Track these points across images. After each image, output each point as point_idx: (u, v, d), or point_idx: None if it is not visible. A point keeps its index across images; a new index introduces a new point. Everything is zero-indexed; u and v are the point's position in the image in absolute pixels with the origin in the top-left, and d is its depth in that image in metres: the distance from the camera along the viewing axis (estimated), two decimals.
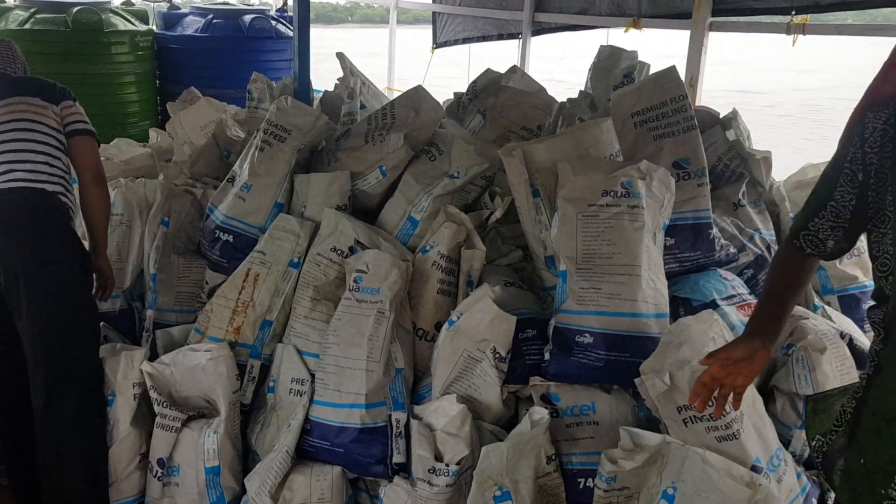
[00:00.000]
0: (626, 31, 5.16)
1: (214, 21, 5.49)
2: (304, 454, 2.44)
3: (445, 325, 2.39)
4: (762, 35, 4.65)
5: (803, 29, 4.22)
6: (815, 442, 1.63)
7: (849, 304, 3.01)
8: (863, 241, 3.10)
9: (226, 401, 2.50)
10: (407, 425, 2.37)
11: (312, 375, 2.52)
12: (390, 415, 2.37)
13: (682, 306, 2.44)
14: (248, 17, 5.54)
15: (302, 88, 3.39)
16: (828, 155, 1.66)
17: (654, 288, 2.29)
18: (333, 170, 2.89)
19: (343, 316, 2.46)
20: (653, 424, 2.20)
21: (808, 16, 4.24)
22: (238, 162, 3.00)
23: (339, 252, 2.65)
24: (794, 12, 4.27)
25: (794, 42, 4.30)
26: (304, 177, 2.88)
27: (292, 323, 2.66)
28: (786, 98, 17.04)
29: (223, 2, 6.01)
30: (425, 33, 7.65)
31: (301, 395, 2.51)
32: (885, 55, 1.68)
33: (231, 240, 2.89)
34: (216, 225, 2.92)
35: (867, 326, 2.97)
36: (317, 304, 2.62)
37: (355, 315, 2.44)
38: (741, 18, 4.62)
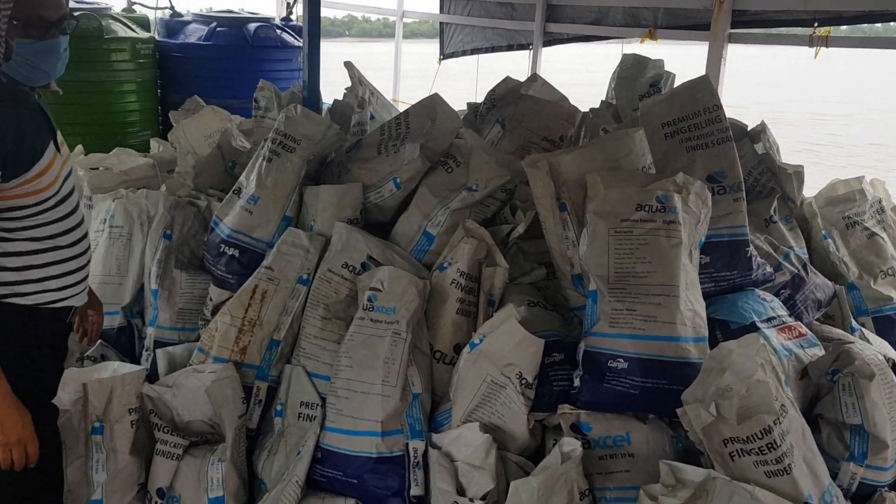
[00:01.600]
0: (641, 41, 5.04)
1: (218, 29, 5.35)
2: (315, 484, 2.28)
3: (467, 349, 2.24)
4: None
5: (826, 41, 4.10)
6: None
7: (884, 326, 2.88)
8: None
9: (231, 426, 2.34)
10: (425, 455, 2.21)
11: (323, 399, 2.37)
12: (407, 443, 2.22)
13: (718, 329, 2.29)
14: (252, 26, 5.40)
15: (312, 97, 3.25)
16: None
17: (692, 309, 2.14)
18: (344, 182, 2.75)
19: (356, 336, 2.31)
20: (692, 456, 2.04)
21: (831, 28, 4.13)
22: (244, 173, 2.86)
23: (350, 268, 2.51)
24: (816, 24, 4.15)
25: (816, 54, 4.18)
26: (314, 189, 2.73)
27: (301, 343, 2.51)
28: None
29: (226, 10, 5.89)
30: (425, 48, 7.54)
31: (311, 420, 2.36)
32: None
33: (237, 255, 2.74)
34: (221, 239, 2.77)
35: None
36: (327, 323, 2.48)
37: (369, 336, 2.29)
38: (761, 30, 4.50)
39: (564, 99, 3.23)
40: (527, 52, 6.07)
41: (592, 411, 2.14)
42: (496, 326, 2.19)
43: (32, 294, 1.96)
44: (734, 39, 4.42)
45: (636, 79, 3.17)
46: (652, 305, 2.11)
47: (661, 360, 2.08)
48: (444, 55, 7.00)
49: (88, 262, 2.11)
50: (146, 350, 2.82)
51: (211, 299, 2.82)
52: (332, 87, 3.77)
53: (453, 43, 6.85)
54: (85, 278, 2.10)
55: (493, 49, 6.50)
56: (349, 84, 3.66)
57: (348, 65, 3.77)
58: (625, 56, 3.30)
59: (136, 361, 2.82)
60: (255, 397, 2.51)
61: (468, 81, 6.62)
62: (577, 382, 2.17)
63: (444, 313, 2.38)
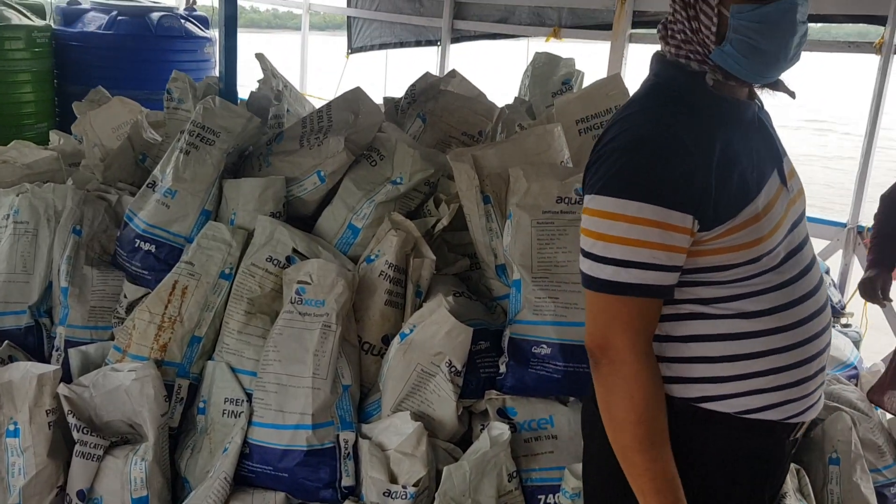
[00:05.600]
0: (546, 40, 5.19)
1: (119, 18, 5.17)
2: (242, 480, 2.27)
3: (397, 339, 2.28)
4: None
5: None
6: None
7: None
8: None
9: (154, 425, 2.30)
10: (355, 445, 2.24)
11: (248, 395, 2.36)
12: (338, 435, 2.24)
13: None
14: (155, 15, 5.24)
15: (228, 89, 3.19)
16: None
17: None
18: (265, 175, 2.72)
19: (284, 331, 2.31)
20: None
21: None
22: (159, 166, 2.79)
23: (275, 262, 2.50)
24: None
25: None
26: (235, 182, 2.70)
27: (224, 339, 2.48)
28: None
29: None
30: (333, 40, 7.49)
31: (237, 417, 2.34)
32: None
33: (153, 250, 2.68)
34: (136, 234, 2.70)
35: None
36: (251, 318, 2.46)
37: (298, 329, 2.29)
38: None
39: (482, 95, 3.30)
40: (435, 48, 6.14)
41: (517, 396, 2.22)
42: (426, 316, 2.24)
43: (732, 397, 1.37)
44: (635, 39, 4.62)
45: (549, 76, 3.27)
46: (573, 293, 2.20)
47: (582, 346, 2.16)
48: (352, 49, 6.98)
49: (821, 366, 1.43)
50: (56, 350, 2.72)
51: (125, 296, 2.74)
52: (245, 77, 3.71)
53: (361, 37, 6.84)
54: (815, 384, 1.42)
55: (401, 45, 6.53)
56: (261, 76, 3.62)
57: (260, 56, 3.71)
58: (537, 54, 3.40)
59: (46, 362, 2.71)
60: (176, 395, 2.47)
61: (378, 76, 6.62)
62: (502, 369, 2.25)
63: (373, 305, 2.41)
